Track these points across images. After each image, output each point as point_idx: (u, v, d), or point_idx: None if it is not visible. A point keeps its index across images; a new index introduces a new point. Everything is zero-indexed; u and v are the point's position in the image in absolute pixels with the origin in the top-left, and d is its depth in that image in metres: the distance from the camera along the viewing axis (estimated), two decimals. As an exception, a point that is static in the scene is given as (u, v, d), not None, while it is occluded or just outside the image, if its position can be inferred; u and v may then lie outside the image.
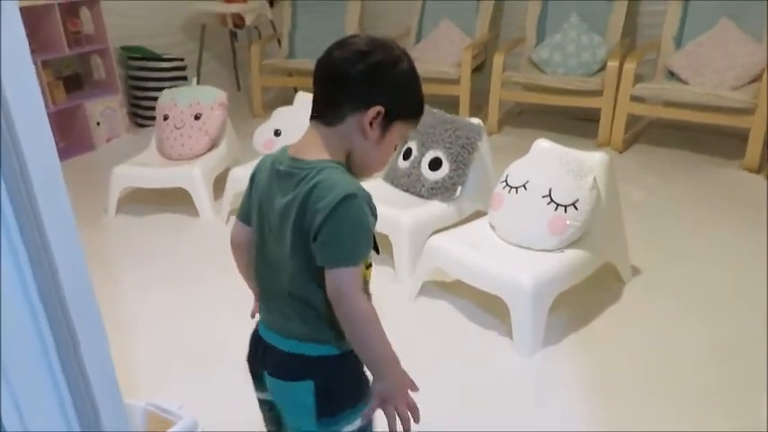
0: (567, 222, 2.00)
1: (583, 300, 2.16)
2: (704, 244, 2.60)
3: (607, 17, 3.82)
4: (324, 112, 0.97)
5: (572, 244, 2.05)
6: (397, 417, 0.95)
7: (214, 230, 2.87)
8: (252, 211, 1.05)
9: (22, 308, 0.73)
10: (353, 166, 0.99)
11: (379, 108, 0.95)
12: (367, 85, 0.95)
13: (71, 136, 3.97)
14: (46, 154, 0.73)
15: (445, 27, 4.24)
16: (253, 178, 1.06)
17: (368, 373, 1.00)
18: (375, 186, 2.66)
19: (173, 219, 2.97)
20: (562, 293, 1.99)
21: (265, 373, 1.06)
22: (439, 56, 4.11)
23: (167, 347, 2.06)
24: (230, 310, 2.21)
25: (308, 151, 0.98)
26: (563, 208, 2.01)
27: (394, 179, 2.63)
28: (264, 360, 1.06)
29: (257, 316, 1.14)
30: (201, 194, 2.92)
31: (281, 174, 0.98)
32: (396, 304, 2.21)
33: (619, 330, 2.07)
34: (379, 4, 4.78)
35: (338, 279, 0.92)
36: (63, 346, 0.78)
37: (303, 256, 0.95)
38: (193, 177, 2.92)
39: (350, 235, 0.92)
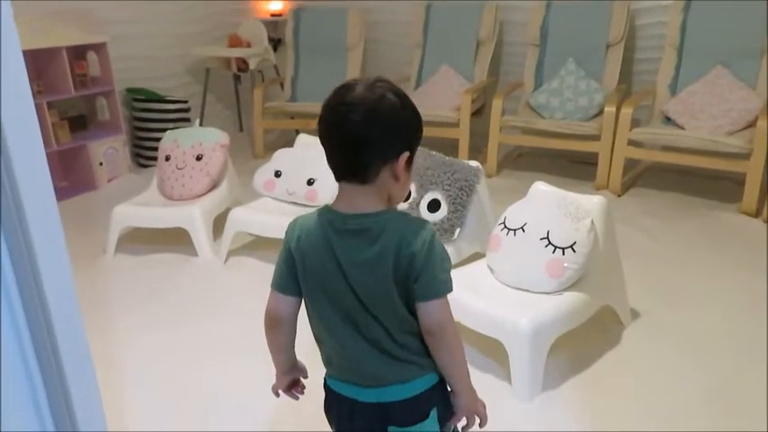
0: (565, 265, 2.00)
1: (582, 343, 2.14)
2: (703, 288, 2.58)
3: (603, 64, 3.91)
4: (356, 174, 1.01)
5: (570, 287, 2.04)
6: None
7: (213, 271, 2.86)
8: (305, 278, 1.06)
9: (13, 349, 0.72)
10: (390, 204, 1.06)
11: (406, 153, 1.02)
12: (391, 139, 1.00)
13: (74, 175, 4.01)
14: (43, 195, 0.74)
15: (445, 72, 4.32)
16: (292, 248, 1.06)
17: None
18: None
19: (172, 259, 2.96)
20: (561, 336, 1.98)
21: (390, 428, 1.08)
22: (439, 100, 4.18)
23: (159, 393, 2.02)
24: (227, 355, 2.21)
25: (361, 206, 1.02)
26: (561, 250, 2.01)
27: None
28: (373, 420, 1.09)
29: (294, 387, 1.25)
30: (201, 234, 2.93)
31: (350, 232, 1.02)
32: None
33: (618, 375, 2.04)
34: (380, 50, 4.90)
35: (439, 309, 1.03)
36: (51, 386, 0.77)
37: (401, 298, 1.03)
38: (193, 217, 2.93)
39: (443, 267, 1.03)
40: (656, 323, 2.32)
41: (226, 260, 2.91)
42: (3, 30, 0.62)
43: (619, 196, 3.61)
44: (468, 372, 1.11)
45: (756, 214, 3.24)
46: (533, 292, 2.04)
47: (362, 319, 1.04)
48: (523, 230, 2.11)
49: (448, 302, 1.04)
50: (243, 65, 4.71)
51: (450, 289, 1.04)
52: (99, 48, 3.95)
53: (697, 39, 3.63)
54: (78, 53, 3.91)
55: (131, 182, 4.00)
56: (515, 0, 4.25)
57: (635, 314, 2.35)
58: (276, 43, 5.08)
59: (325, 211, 1.05)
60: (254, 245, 3.02)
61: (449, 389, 1.13)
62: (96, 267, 2.93)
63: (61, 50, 3.70)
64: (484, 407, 1.15)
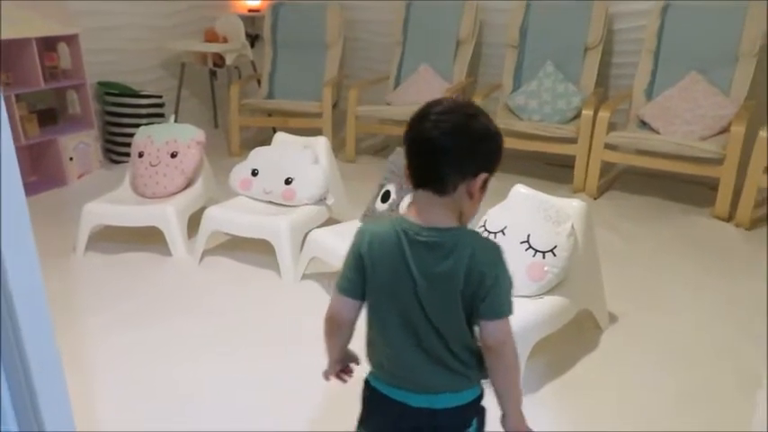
0: (546, 269, 2.00)
1: (561, 347, 2.15)
2: (677, 291, 2.62)
3: (581, 67, 3.93)
4: (434, 184, 1.04)
5: (550, 291, 2.04)
6: None
7: (186, 270, 2.81)
8: (373, 282, 1.09)
9: None
10: (461, 222, 1.08)
11: (485, 175, 1.05)
12: (472, 157, 1.03)
13: (42, 170, 3.89)
14: (12, 191, 0.70)
15: (424, 71, 4.31)
16: (362, 252, 1.09)
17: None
18: (353, 228, 2.64)
19: (144, 258, 2.89)
20: (540, 340, 1.97)
21: None
22: (418, 99, 4.13)
23: (129, 392, 1.97)
24: (199, 355, 2.16)
25: (436, 219, 1.05)
26: (541, 254, 2.02)
27: (371, 222, 2.61)
28: (421, 423, 1.12)
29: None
30: (175, 233, 2.87)
31: (423, 244, 1.05)
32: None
33: (597, 379, 2.05)
34: (360, 48, 4.86)
35: (502, 329, 1.07)
36: (16, 386, 0.73)
37: (466, 312, 1.06)
38: (167, 216, 2.86)
39: (509, 289, 1.07)
40: (633, 326, 2.34)
41: (201, 260, 2.85)
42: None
43: (595, 199, 3.64)
44: (520, 395, 1.14)
45: (729, 218, 3.29)
46: (513, 296, 2.03)
47: (423, 329, 1.07)
48: (504, 233, 2.10)
49: (509, 323, 1.08)
50: (219, 60, 4.63)
51: (512, 311, 1.08)
52: (70, 39, 3.84)
53: (673, 44, 3.68)
54: (49, 44, 3.80)
55: (102, 178, 3.91)
56: (496, 0, 4.25)
57: (612, 318, 2.37)
58: (253, 39, 5.01)
59: (400, 220, 1.08)
60: (230, 244, 2.96)
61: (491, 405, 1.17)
62: (66, 266, 2.84)
63: (31, 41, 3.59)
64: None
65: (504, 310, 1.07)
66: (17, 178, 0.70)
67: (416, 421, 1.12)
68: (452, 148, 1.01)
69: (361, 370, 1.25)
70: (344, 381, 1.28)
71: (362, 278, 1.10)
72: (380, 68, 4.64)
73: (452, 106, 1.04)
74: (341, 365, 1.25)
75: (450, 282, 1.04)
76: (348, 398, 1.91)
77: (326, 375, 1.26)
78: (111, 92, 4.23)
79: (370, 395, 1.17)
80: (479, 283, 1.03)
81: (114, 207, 2.92)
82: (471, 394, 1.14)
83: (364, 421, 1.20)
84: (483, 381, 1.17)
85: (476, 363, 1.12)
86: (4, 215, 0.69)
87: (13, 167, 0.69)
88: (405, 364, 1.10)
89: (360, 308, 1.14)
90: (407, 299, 1.06)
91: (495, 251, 1.07)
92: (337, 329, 1.17)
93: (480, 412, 1.17)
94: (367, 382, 1.18)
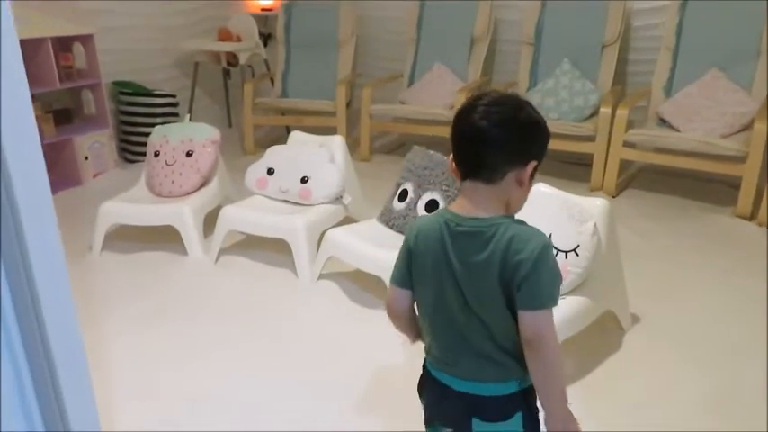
0: (569, 269, 1.97)
1: (584, 349, 2.11)
2: (700, 291, 2.57)
3: (597, 65, 3.88)
4: (482, 173, 1.05)
5: (573, 291, 2.01)
6: None
7: (202, 269, 2.80)
8: (418, 272, 1.13)
9: (3, 350, 0.67)
10: (509, 211, 1.09)
11: (534, 163, 1.06)
12: (522, 145, 1.05)
13: (58, 170, 3.90)
14: (39, 192, 0.69)
15: (438, 70, 4.28)
16: (411, 244, 1.13)
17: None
18: (368, 227, 2.62)
19: (160, 257, 2.89)
20: (563, 342, 1.94)
21: (473, 419, 1.11)
22: (432, 98, 4.14)
23: (144, 393, 1.96)
24: (215, 355, 2.15)
25: (480, 209, 1.06)
26: (564, 254, 1.98)
27: (389, 220, 2.59)
28: (460, 408, 1.12)
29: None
30: (191, 233, 2.86)
31: (463, 234, 1.06)
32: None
33: (621, 381, 2.01)
34: (373, 46, 4.84)
35: (541, 321, 1.03)
36: (42, 386, 0.72)
37: (504, 304, 1.04)
38: (183, 215, 2.85)
39: (550, 280, 1.04)
40: (656, 327, 2.30)
41: (216, 259, 2.84)
42: (3, 29, 0.58)
43: (613, 197, 3.59)
44: (562, 393, 1.08)
45: (751, 218, 3.24)
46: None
47: (465, 319, 1.08)
48: (525, 233, 2.06)
49: (551, 316, 1.04)
50: (233, 59, 4.63)
51: (554, 303, 1.05)
52: (86, 39, 3.84)
53: (692, 41, 3.62)
54: (64, 45, 3.80)
55: (118, 177, 3.91)
56: (510, -2, 4.22)
57: (635, 318, 2.33)
58: (266, 38, 5.00)
59: (444, 212, 1.11)
60: (246, 244, 2.95)
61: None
62: (82, 265, 2.84)
63: (46, 41, 3.59)
64: None
65: (542, 301, 1.03)
66: (45, 180, 0.68)
67: (457, 404, 1.13)
68: (502, 138, 1.03)
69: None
70: None
71: (409, 269, 1.15)
72: (394, 67, 4.62)
73: (499, 98, 1.07)
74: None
75: (488, 270, 1.03)
76: (369, 400, 1.89)
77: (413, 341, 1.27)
78: (126, 91, 4.23)
79: (423, 376, 1.21)
80: (515, 270, 1.01)
81: (130, 206, 2.92)
82: (516, 385, 1.10)
83: (421, 395, 1.23)
84: None
85: (521, 356, 1.08)
86: (31, 217, 0.68)
87: (42, 170, 0.68)
88: (449, 352, 1.12)
89: (411, 297, 1.17)
90: (449, 289, 1.08)
91: (536, 240, 1.03)
92: (395, 318, 1.21)
93: (527, 407, 1.12)
94: (424, 363, 1.22)
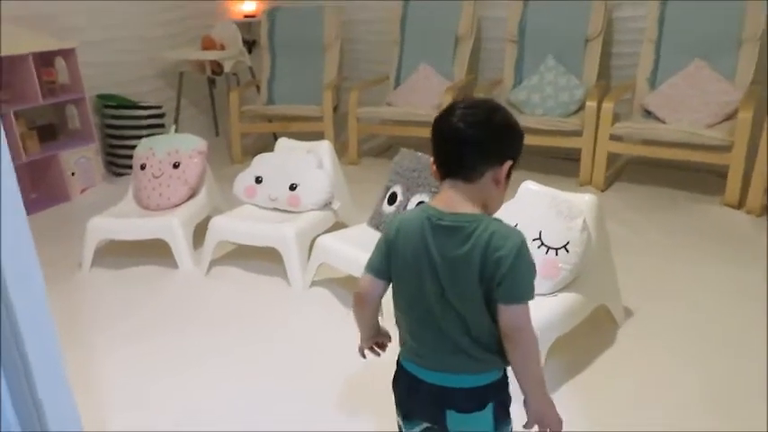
0: (560, 265, 1.97)
1: (578, 345, 2.11)
2: (691, 282, 2.58)
3: (582, 59, 3.90)
4: (461, 172, 1.11)
5: (565, 287, 2.01)
6: None
7: (194, 281, 2.78)
8: (397, 265, 1.16)
9: None
10: (488, 210, 1.14)
11: (510, 161, 1.12)
12: (497, 145, 1.11)
13: (44, 187, 3.87)
14: (12, 210, 0.68)
15: (424, 70, 4.28)
16: (392, 237, 1.17)
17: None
18: (359, 232, 2.61)
19: (151, 271, 2.87)
20: (557, 339, 1.94)
21: (447, 411, 1.15)
22: (419, 99, 4.14)
23: (137, 408, 1.94)
24: (209, 367, 2.13)
25: (460, 206, 1.11)
26: (554, 251, 1.98)
27: (379, 224, 2.58)
28: (434, 401, 1.16)
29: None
30: (181, 245, 2.84)
31: (444, 228, 1.10)
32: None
33: (615, 376, 2.01)
34: (358, 49, 4.83)
35: (518, 314, 1.08)
36: (24, 410, 0.70)
37: (481, 298, 1.08)
38: (172, 228, 2.83)
39: (528, 276, 1.09)
40: (649, 320, 2.30)
41: (208, 270, 2.82)
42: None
43: (602, 191, 3.60)
44: (541, 380, 1.13)
45: (739, 206, 3.25)
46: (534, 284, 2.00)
47: (442, 312, 1.11)
48: (515, 232, 2.06)
49: (528, 309, 1.09)
50: (217, 68, 4.61)
51: (531, 297, 1.09)
52: (67, 54, 3.81)
53: (675, 32, 3.63)
54: (46, 60, 3.77)
55: (105, 192, 3.88)
56: (492, -4, 4.23)
57: (627, 312, 2.33)
58: (251, 45, 4.98)
59: (427, 207, 1.14)
60: (237, 254, 2.93)
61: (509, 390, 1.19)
62: (72, 282, 2.82)
63: (27, 57, 3.56)
64: (560, 422, 1.15)
65: (520, 294, 1.08)
66: (17, 197, 0.67)
67: (430, 397, 1.16)
68: (479, 138, 1.09)
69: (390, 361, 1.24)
70: (378, 354, 1.34)
71: (387, 261, 1.18)
72: (380, 69, 4.61)
73: (475, 102, 1.14)
74: (373, 341, 1.32)
75: (468, 265, 1.07)
76: (363, 405, 1.88)
77: (361, 350, 1.33)
78: (111, 104, 4.20)
79: (396, 371, 1.24)
80: (496, 267, 1.05)
81: (119, 221, 2.90)
82: (488, 377, 1.15)
83: (395, 390, 1.26)
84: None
85: (498, 348, 1.12)
86: (6, 236, 0.66)
87: (14, 190, 0.66)
88: (424, 345, 1.15)
89: (383, 288, 1.21)
90: (428, 283, 1.11)
91: (515, 237, 1.08)
92: (361, 304, 1.24)
93: (499, 398, 1.17)
94: (397, 359, 1.24)
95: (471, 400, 1.14)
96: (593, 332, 2.19)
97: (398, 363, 1.23)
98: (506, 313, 1.08)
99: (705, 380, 1.98)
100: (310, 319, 2.44)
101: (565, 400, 1.90)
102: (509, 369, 1.16)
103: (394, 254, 1.16)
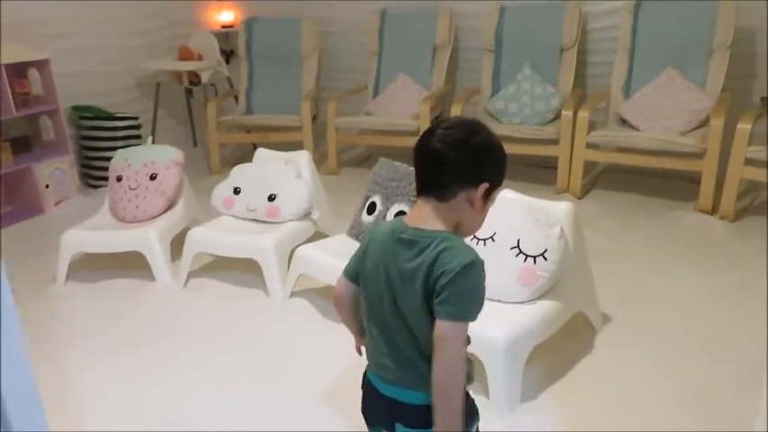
0: (538, 273, 1.98)
1: (556, 351, 2.12)
2: (666, 287, 2.62)
3: (558, 68, 3.95)
4: (434, 191, 1.11)
5: (543, 295, 2.02)
6: None
7: (171, 294, 2.75)
8: (364, 273, 1.19)
9: None
10: (461, 231, 1.14)
11: (485, 184, 1.10)
12: (473, 167, 1.10)
13: (18, 199, 3.80)
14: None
15: (402, 80, 4.30)
16: (365, 245, 1.20)
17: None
18: (338, 242, 2.61)
19: (128, 284, 2.83)
20: (535, 346, 1.95)
21: (397, 424, 1.16)
22: (397, 109, 4.15)
23: (115, 424, 1.91)
24: (188, 380, 2.11)
25: (426, 222, 1.11)
26: (532, 259, 2.00)
27: (358, 234, 2.58)
28: (386, 411, 1.17)
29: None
30: (158, 257, 2.80)
31: (403, 240, 1.11)
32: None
33: (595, 382, 2.03)
34: (336, 60, 4.84)
35: (448, 328, 1.05)
36: None
37: (426, 313, 1.08)
38: (149, 240, 2.80)
39: (470, 296, 1.06)
40: (626, 326, 2.33)
41: (186, 283, 2.79)
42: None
43: (579, 199, 3.64)
44: (459, 412, 1.06)
45: (712, 211, 3.31)
46: (506, 303, 2.01)
47: (396, 324, 1.13)
48: (493, 240, 2.08)
49: (464, 329, 1.06)
50: (195, 78, 4.58)
51: (469, 318, 1.07)
52: (41, 65, 3.77)
53: (648, 41, 3.70)
54: (19, 71, 3.72)
55: (81, 204, 3.83)
56: (469, 2, 4.26)
57: (605, 318, 2.36)
58: (228, 55, 4.97)
59: (397, 221, 1.17)
60: (215, 265, 2.91)
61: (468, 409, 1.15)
62: (46, 297, 2.76)
63: (0, 68, 3.50)
64: None
65: (457, 311, 1.04)
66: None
67: (384, 407, 1.18)
68: (453, 158, 1.08)
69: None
70: None
71: (359, 267, 1.21)
72: (358, 79, 4.63)
73: (456, 122, 1.13)
74: (364, 341, 1.30)
75: (415, 278, 1.08)
76: (340, 417, 1.87)
77: (357, 348, 1.33)
78: (86, 116, 4.15)
79: (363, 375, 1.26)
80: (437, 280, 1.05)
81: (94, 234, 2.85)
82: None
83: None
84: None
85: None
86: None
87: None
88: (381, 355, 1.17)
89: (356, 291, 1.24)
90: (385, 293, 1.13)
91: (466, 256, 1.05)
92: (337, 305, 1.28)
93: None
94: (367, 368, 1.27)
95: (420, 417, 1.12)
96: (572, 339, 2.21)
97: (364, 372, 1.26)
98: (437, 326, 1.06)
99: (682, 383, 2.00)
100: (290, 329, 2.43)
101: (546, 406, 1.92)
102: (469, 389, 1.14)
103: (364, 262, 1.19)
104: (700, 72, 3.55)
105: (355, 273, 1.23)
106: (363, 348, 1.31)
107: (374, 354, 1.20)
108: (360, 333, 1.30)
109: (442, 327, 1.05)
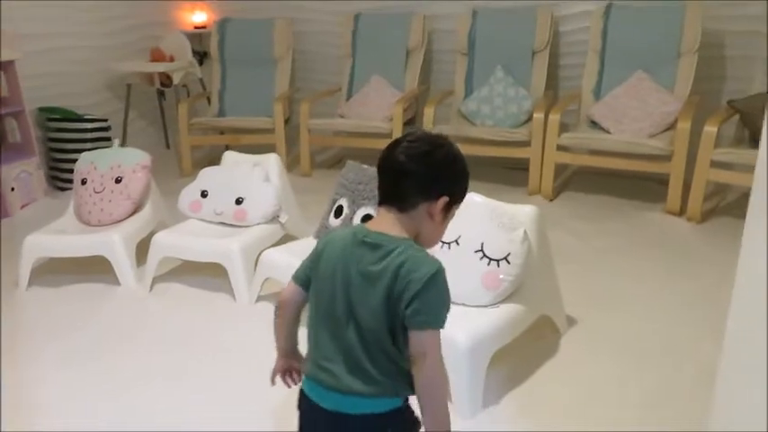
0: (501, 277, 1.98)
1: (520, 354, 2.12)
2: (634, 290, 2.63)
3: (530, 70, 3.97)
4: (395, 201, 1.14)
5: (507, 299, 2.02)
6: None
7: (136, 299, 2.70)
8: (316, 277, 1.18)
9: None
10: (421, 242, 1.15)
11: (445, 198, 1.13)
12: (434, 180, 1.12)
13: (-18, 203, 3.73)
14: None
15: (375, 83, 4.29)
16: (320, 249, 1.19)
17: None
18: (306, 245, 2.58)
19: (92, 289, 2.77)
20: (498, 350, 1.95)
21: None
22: (370, 111, 4.14)
23: (83, 428, 1.87)
24: (154, 386, 2.07)
25: (389, 229, 1.13)
26: (496, 262, 1.99)
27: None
28: (331, 425, 1.15)
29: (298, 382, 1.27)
30: (122, 262, 2.76)
31: (366, 244, 1.12)
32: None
33: (559, 384, 2.03)
34: (310, 61, 4.82)
35: (426, 340, 1.08)
36: None
37: (389, 317, 1.09)
38: (113, 244, 2.75)
39: (440, 303, 1.09)
40: (592, 329, 2.34)
41: (151, 287, 2.75)
42: None
43: (551, 201, 3.66)
44: (447, 417, 1.11)
45: (680, 213, 3.35)
46: (469, 306, 2.01)
47: (348, 329, 1.12)
48: (458, 243, 2.07)
49: (436, 336, 1.09)
50: (166, 80, 4.53)
51: (441, 325, 1.09)
52: (6, 66, 3.70)
53: (618, 44, 3.74)
54: (-18, 72, 3.65)
55: (47, 207, 3.76)
56: (442, 2, 4.26)
57: (571, 321, 2.36)
58: (201, 56, 4.92)
59: (358, 226, 1.19)
60: (182, 270, 2.87)
61: (412, 418, 1.16)
62: (8, 303, 2.70)
63: (-37, 70, 3.44)
64: None
65: (428, 320, 1.08)
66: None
67: (327, 426, 1.16)
68: (415, 171, 1.11)
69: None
70: (288, 385, 1.32)
71: (311, 272, 1.21)
72: (332, 81, 4.61)
73: (422, 136, 1.16)
74: (286, 363, 1.30)
75: (378, 283, 1.09)
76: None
77: (273, 374, 1.31)
78: (54, 117, 4.09)
79: (300, 394, 1.23)
80: (405, 288, 1.07)
81: (57, 238, 2.80)
82: (386, 405, 1.14)
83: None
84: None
85: (396, 373, 1.12)
86: None
87: None
88: (327, 358, 1.15)
89: (304, 297, 1.23)
90: (340, 296, 1.13)
91: (431, 264, 1.08)
92: (282, 309, 1.26)
93: (398, 428, 1.16)
94: (303, 381, 1.24)
95: (368, 429, 1.12)
96: (536, 342, 2.21)
97: (302, 387, 1.23)
98: (413, 337, 1.08)
99: (647, 385, 2.01)
100: (254, 334, 2.39)
101: (509, 410, 1.91)
102: (413, 400, 1.14)
103: (317, 265, 1.19)
104: (668, 75, 3.59)
105: (306, 279, 1.22)
106: (278, 378, 1.31)
107: (318, 357, 1.17)
108: (286, 347, 1.28)
109: (420, 336, 1.08)
